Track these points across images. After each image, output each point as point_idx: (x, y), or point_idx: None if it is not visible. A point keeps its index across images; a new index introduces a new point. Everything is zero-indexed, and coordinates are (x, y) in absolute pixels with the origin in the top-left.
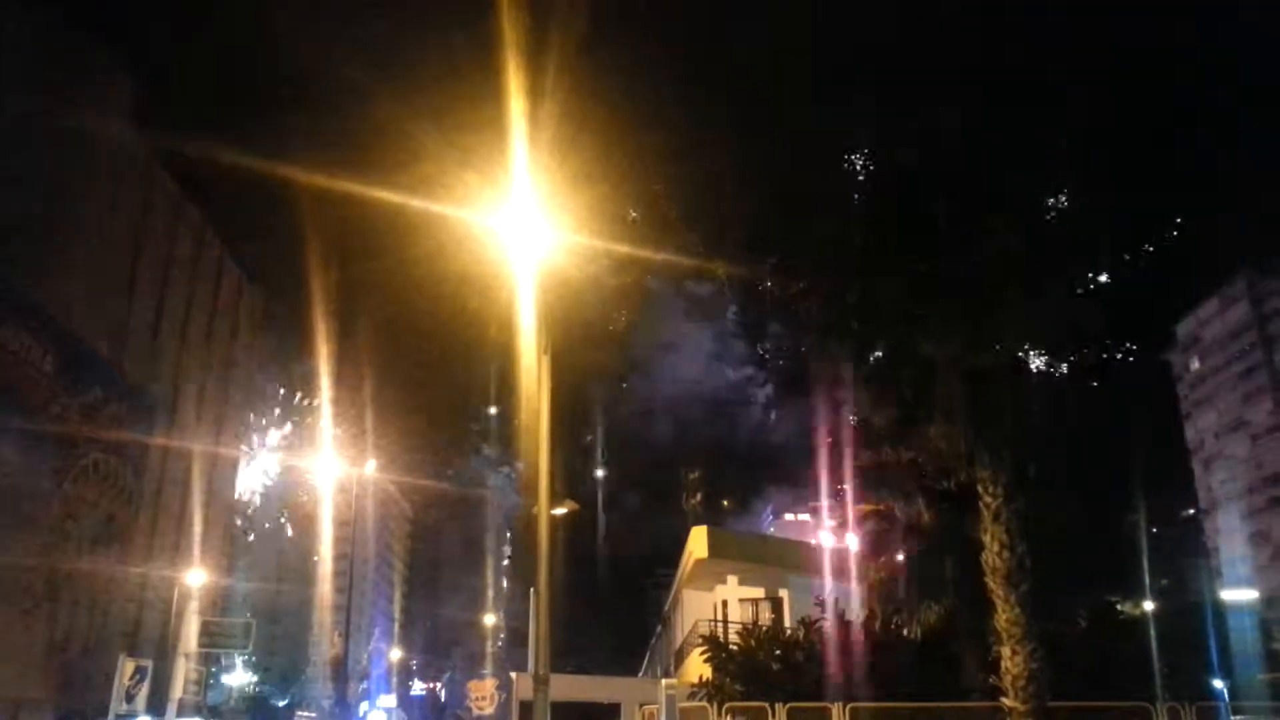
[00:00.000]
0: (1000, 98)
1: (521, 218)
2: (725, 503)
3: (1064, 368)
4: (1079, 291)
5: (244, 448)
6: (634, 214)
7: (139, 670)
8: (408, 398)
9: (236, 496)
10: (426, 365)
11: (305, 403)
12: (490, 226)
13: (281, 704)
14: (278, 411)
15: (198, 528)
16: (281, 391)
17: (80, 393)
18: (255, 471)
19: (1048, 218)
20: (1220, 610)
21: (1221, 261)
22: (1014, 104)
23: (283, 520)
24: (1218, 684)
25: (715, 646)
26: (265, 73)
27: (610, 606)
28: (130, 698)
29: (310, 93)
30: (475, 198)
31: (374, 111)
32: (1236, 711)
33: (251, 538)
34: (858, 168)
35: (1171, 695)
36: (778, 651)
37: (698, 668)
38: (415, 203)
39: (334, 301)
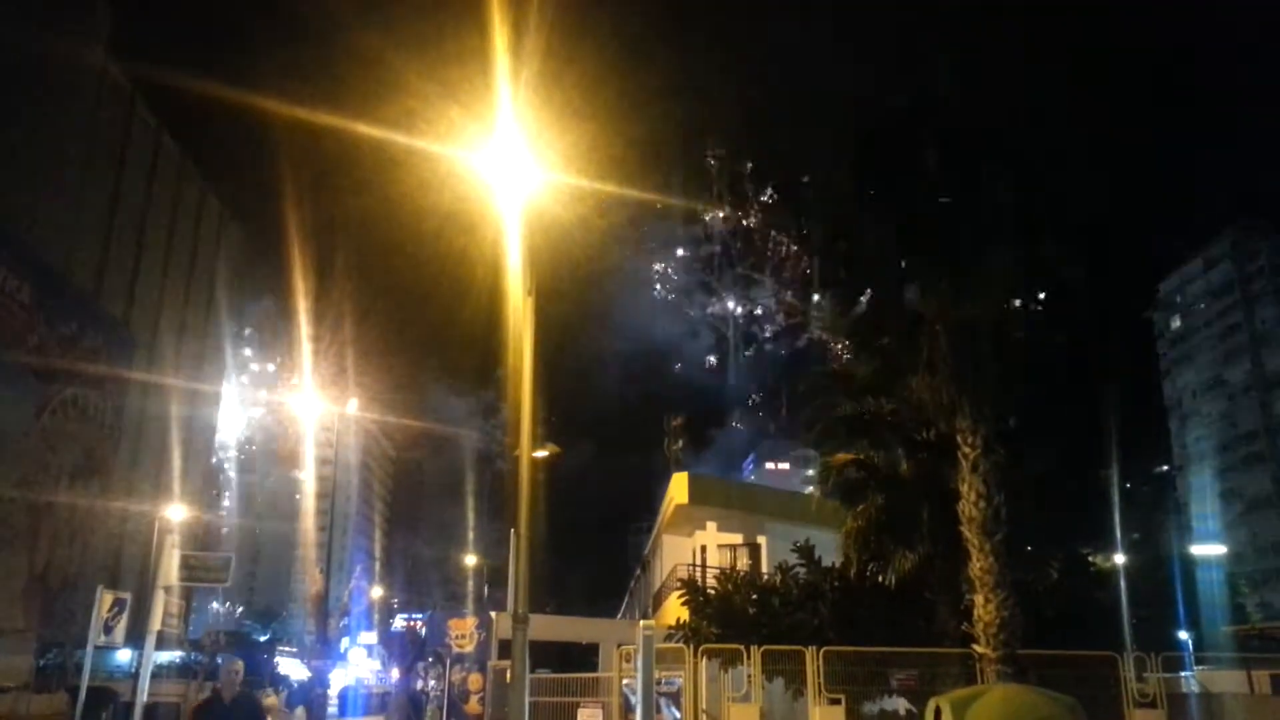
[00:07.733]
0: (995, 49)
1: (507, 154)
2: (706, 449)
3: (1047, 322)
4: (1066, 246)
5: (225, 383)
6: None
7: (118, 603)
8: (390, 336)
9: (218, 433)
10: (409, 303)
11: (286, 340)
12: (475, 163)
13: (263, 639)
14: (259, 348)
15: (178, 463)
16: (262, 329)
17: (59, 325)
18: (237, 407)
19: (1038, 170)
20: (1189, 564)
21: (1206, 221)
22: (1008, 55)
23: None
24: (1183, 635)
25: (693, 590)
26: (246, 2)
27: (591, 550)
28: (109, 629)
29: (291, 24)
30: (460, 133)
31: (356, 43)
32: (1200, 662)
33: (233, 473)
34: (849, 113)
35: (1139, 645)
36: (754, 596)
37: (676, 611)
38: (398, 138)
39: (316, 238)
